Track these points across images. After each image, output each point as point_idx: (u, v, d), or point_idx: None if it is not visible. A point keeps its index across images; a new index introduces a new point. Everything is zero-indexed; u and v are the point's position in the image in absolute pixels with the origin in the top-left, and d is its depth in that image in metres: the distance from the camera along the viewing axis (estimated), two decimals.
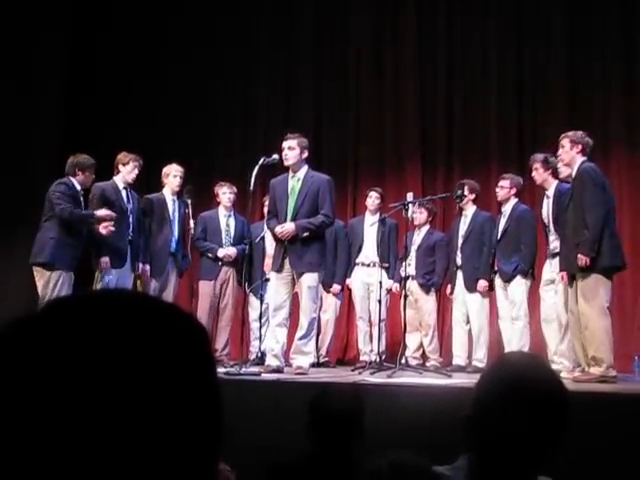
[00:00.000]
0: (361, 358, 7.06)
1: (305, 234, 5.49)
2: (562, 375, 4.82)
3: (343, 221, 7.43)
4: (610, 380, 4.98)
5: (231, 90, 8.89)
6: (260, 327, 6.25)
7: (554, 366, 5.29)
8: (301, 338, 5.52)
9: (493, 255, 6.44)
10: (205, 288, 6.77)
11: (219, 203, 7.03)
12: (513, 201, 6.48)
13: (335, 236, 7.00)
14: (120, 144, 6.78)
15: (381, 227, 7.02)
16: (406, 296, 6.26)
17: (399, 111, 8.37)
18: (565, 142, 5.39)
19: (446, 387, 4.59)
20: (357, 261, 7.16)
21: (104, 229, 5.95)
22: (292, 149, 5.60)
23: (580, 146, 5.35)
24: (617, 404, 4.05)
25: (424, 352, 6.96)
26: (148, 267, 6.47)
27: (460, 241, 6.71)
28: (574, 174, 5.36)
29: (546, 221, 6.00)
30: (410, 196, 6.38)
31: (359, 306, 7.15)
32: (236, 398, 4.09)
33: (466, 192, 6.66)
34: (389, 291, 6.98)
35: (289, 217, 5.58)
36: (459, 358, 6.65)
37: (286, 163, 5.66)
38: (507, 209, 6.48)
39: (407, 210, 6.29)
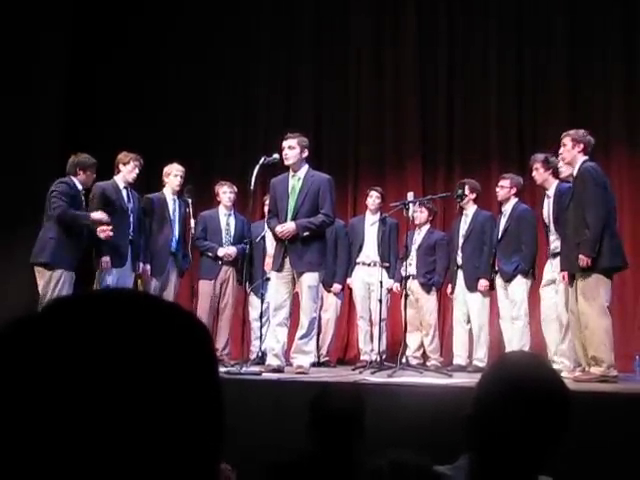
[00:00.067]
0: (362, 358, 7.06)
1: (305, 233, 5.49)
2: (563, 375, 4.81)
3: (343, 220, 7.44)
4: (611, 380, 4.98)
5: (231, 90, 8.89)
6: (261, 326, 6.24)
7: (555, 366, 5.29)
8: (302, 337, 5.52)
9: (494, 255, 6.44)
10: (205, 288, 6.76)
11: (219, 202, 7.04)
12: (513, 201, 6.48)
13: (335, 235, 7.01)
14: (120, 144, 6.79)
15: (382, 226, 7.02)
16: (407, 295, 6.26)
17: (399, 111, 8.37)
18: (567, 140, 5.38)
19: (447, 387, 4.59)
20: (358, 260, 7.16)
21: (102, 233, 5.95)
22: (292, 148, 5.60)
23: (582, 145, 5.34)
24: (618, 404, 4.04)
25: (425, 352, 6.96)
26: (148, 267, 6.47)
27: (461, 240, 6.71)
28: (575, 173, 5.35)
29: (547, 221, 6.00)
30: (411, 195, 6.38)
31: (360, 306, 7.15)
32: (237, 398, 4.08)
33: (467, 191, 6.66)
34: (390, 290, 6.98)
35: (289, 216, 5.58)
36: (460, 358, 6.65)
37: (286, 162, 5.66)
38: (507, 209, 6.48)
39: (408, 209, 6.30)
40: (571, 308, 5.29)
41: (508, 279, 6.28)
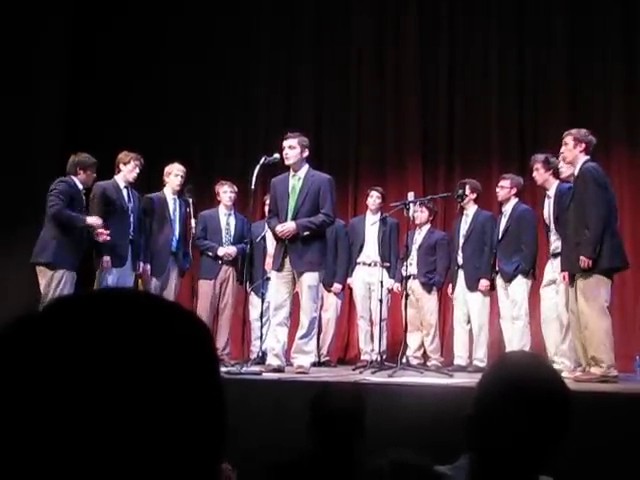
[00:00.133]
0: (362, 357, 7.06)
1: (306, 233, 5.49)
2: (563, 375, 4.81)
3: (344, 220, 7.44)
4: (611, 380, 4.98)
5: (231, 90, 8.89)
6: (261, 326, 6.24)
7: (555, 366, 5.28)
8: (302, 337, 5.52)
9: (494, 255, 6.44)
10: (205, 287, 6.76)
11: (220, 202, 7.04)
12: (514, 201, 6.48)
13: (336, 235, 7.01)
14: (121, 143, 6.79)
15: (382, 226, 7.03)
16: (407, 295, 6.26)
17: (400, 111, 8.37)
18: (569, 140, 5.37)
19: (447, 387, 4.59)
20: (358, 260, 7.16)
21: (100, 237, 5.96)
22: (293, 148, 5.60)
23: (584, 145, 5.33)
24: (618, 404, 4.04)
25: (425, 351, 6.96)
26: (149, 266, 6.47)
27: (461, 240, 6.71)
28: (576, 173, 5.35)
29: (547, 221, 6.00)
30: (411, 195, 6.38)
31: (360, 305, 7.15)
32: (237, 398, 4.08)
33: (467, 191, 6.66)
34: (390, 290, 6.99)
35: (290, 216, 5.58)
36: (460, 358, 6.65)
37: (287, 162, 5.66)
38: (508, 209, 6.48)
39: (408, 209, 6.30)
40: (571, 308, 5.29)
41: (508, 279, 6.28)
